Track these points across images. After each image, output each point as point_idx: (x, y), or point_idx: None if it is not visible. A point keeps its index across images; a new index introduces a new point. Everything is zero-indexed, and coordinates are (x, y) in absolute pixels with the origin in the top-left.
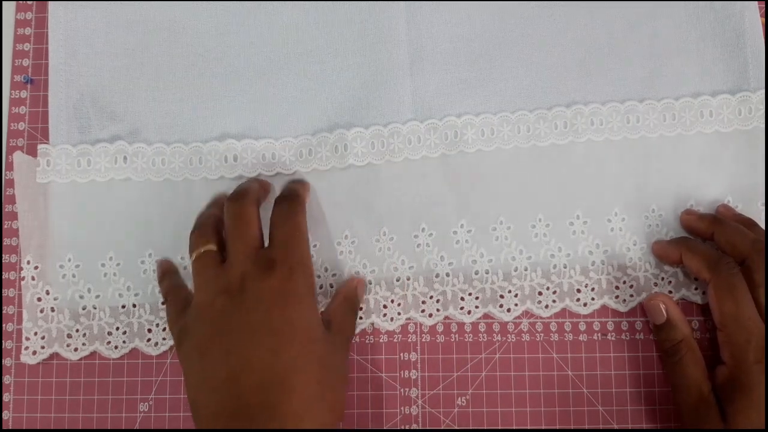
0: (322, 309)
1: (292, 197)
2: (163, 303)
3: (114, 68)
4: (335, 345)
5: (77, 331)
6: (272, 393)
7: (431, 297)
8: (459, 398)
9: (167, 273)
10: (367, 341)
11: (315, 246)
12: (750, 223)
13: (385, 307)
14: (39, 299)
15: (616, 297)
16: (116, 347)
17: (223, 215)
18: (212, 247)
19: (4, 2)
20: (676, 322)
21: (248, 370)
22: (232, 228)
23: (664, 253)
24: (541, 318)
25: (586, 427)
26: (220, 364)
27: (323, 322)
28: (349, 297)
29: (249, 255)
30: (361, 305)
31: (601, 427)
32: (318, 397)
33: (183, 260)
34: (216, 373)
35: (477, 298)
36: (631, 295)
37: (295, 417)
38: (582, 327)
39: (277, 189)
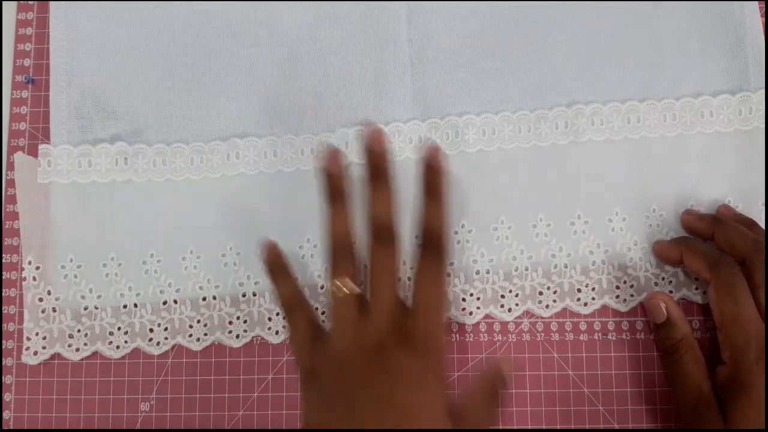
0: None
1: (440, 251)
2: (281, 320)
3: (115, 68)
4: None
5: (79, 331)
6: None
7: None
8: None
9: (300, 302)
10: None
11: (316, 246)
12: (750, 223)
13: None
14: (40, 299)
15: (617, 297)
16: (118, 347)
17: (354, 238)
18: (354, 289)
19: (4, 2)
20: (676, 321)
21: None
22: (377, 277)
23: (664, 252)
24: (541, 318)
25: (587, 426)
26: (341, 417)
27: (457, 407)
28: (492, 380)
29: (389, 314)
30: (507, 385)
31: (601, 426)
32: None
33: (184, 260)
34: (336, 424)
35: (478, 298)
36: (632, 295)
37: None
38: (583, 327)
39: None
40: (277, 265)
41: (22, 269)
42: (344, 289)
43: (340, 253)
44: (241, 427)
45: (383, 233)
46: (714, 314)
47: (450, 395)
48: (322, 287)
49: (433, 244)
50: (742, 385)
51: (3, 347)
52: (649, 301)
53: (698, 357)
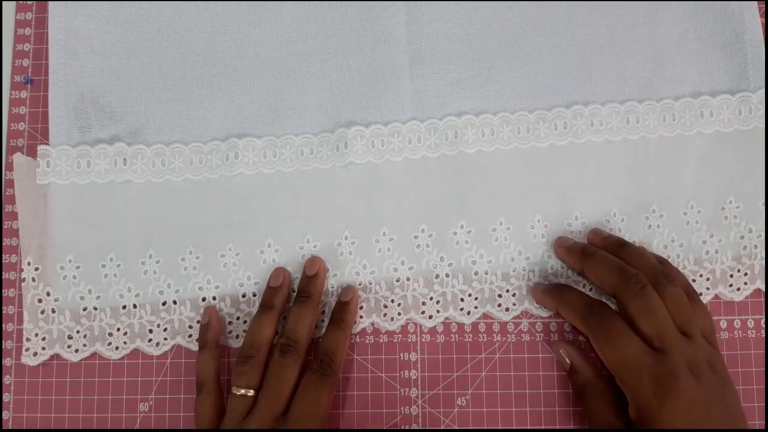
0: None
1: (329, 370)
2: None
3: (114, 68)
4: None
5: (78, 332)
6: None
7: (431, 298)
8: (459, 398)
9: (212, 383)
10: (367, 341)
11: (315, 246)
12: (619, 245)
13: (385, 306)
14: (39, 300)
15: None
16: (117, 348)
17: (267, 346)
18: (252, 392)
19: (4, 2)
20: (577, 368)
21: None
22: (269, 385)
23: (541, 301)
24: (540, 318)
25: (587, 427)
26: None
27: None
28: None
29: (269, 419)
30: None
31: None
32: None
33: (183, 261)
34: None
35: (476, 299)
36: None
37: None
38: None
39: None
40: (208, 337)
41: (21, 270)
42: (241, 390)
43: (248, 364)
44: None
45: (290, 346)
46: (603, 361)
47: None
48: None
49: (323, 360)
50: (648, 422)
51: (2, 348)
52: (554, 351)
53: (606, 399)
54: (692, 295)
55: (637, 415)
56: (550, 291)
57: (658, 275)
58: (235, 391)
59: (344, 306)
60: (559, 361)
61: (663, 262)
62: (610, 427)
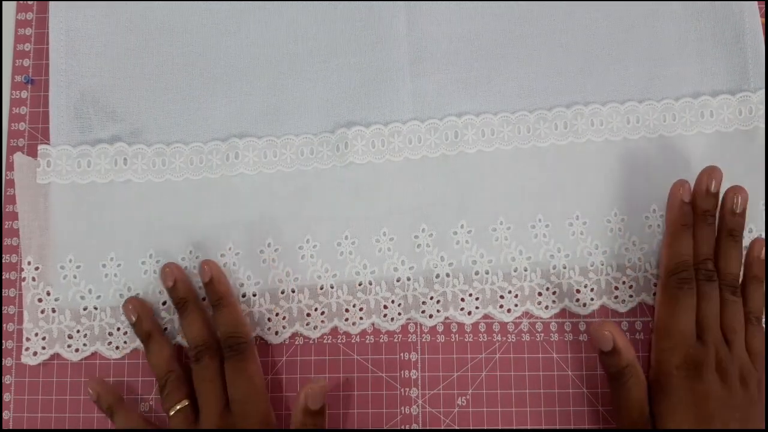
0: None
1: (237, 347)
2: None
3: (115, 68)
4: None
5: (78, 331)
6: None
7: (431, 298)
8: (459, 398)
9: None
10: (367, 341)
11: (315, 246)
12: (727, 232)
13: (385, 307)
14: (40, 300)
15: (615, 297)
16: (117, 348)
17: (177, 365)
18: (185, 402)
19: (4, 2)
20: (621, 349)
21: None
22: (200, 391)
23: (671, 208)
24: (541, 318)
25: (586, 427)
26: None
27: None
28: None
29: (215, 421)
30: (321, 407)
31: (601, 427)
32: None
33: (183, 261)
34: None
35: (477, 298)
36: (630, 296)
37: None
38: (582, 327)
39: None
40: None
41: (22, 269)
42: (176, 406)
43: (170, 385)
44: None
45: (199, 352)
46: (654, 314)
47: None
48: (321, 288)
49: (230, 345)
50: (663, 387)
51: (3, 347)
52: (596, 331)
53: (641, 381)
54: (752, 319)
55: (654, 378)
56: (678, 217)
57: (728, 284)
58: (170, 413)
59: (210, 285)
60: (600, 341)
61: (758, 278)
62: (641, 406)
